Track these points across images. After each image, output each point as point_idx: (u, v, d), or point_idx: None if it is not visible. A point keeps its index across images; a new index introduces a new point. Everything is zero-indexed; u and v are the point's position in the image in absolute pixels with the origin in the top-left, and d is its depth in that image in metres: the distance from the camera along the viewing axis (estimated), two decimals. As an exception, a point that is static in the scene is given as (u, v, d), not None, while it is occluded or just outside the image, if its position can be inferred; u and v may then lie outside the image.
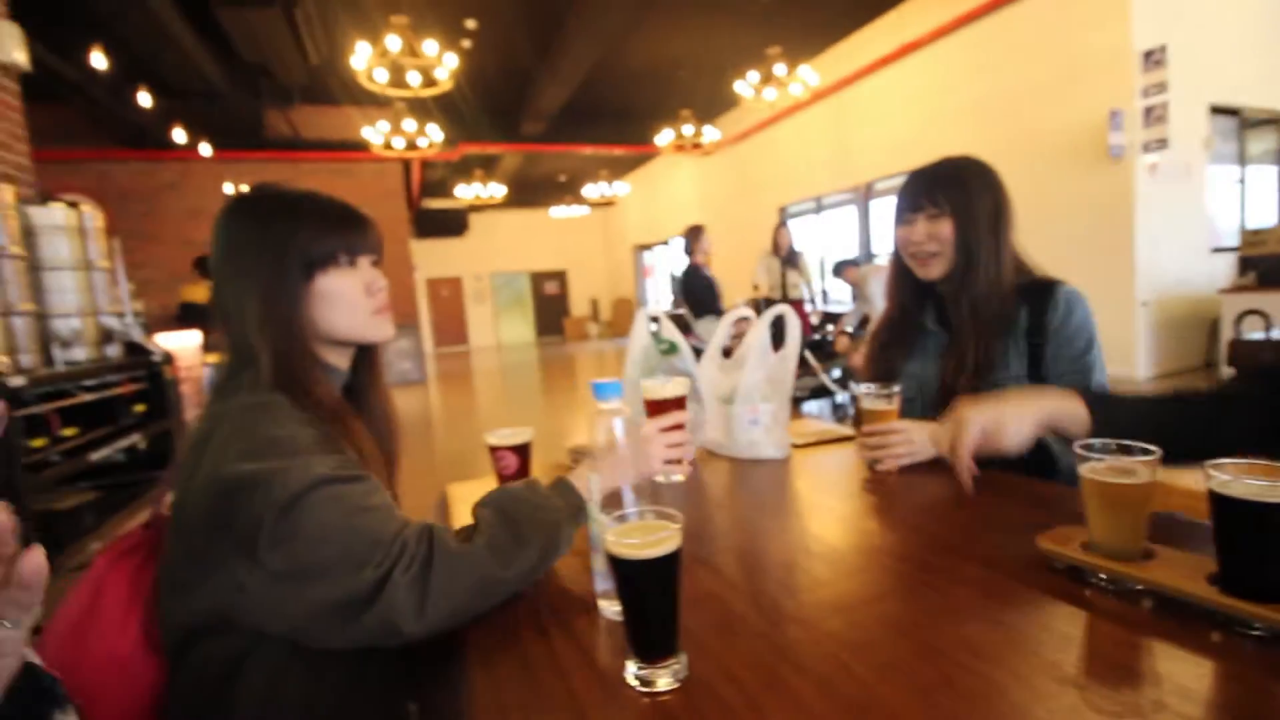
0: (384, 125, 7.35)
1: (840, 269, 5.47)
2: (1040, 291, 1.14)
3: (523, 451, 0.95)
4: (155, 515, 0.84)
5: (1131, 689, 0.49)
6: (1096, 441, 0.63)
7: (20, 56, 3.04)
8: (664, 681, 0.52)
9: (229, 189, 8.79)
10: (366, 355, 0.90)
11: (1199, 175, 5.78)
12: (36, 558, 0.31)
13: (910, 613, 0.62)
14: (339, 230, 0.82)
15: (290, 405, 0.74)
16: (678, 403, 0.94)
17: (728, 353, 1.29)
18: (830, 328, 5.67)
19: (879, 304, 3.07)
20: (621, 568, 0.51)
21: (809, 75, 7.25)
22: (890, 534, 0.83)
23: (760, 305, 5.68)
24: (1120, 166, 5.57)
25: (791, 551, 0.80)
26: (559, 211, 15.42)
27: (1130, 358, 5.61)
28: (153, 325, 5.39)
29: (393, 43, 5.38)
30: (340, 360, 0.86)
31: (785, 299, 5.67)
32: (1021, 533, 0.72)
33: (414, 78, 5.72)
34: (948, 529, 0.79)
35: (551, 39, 7.48)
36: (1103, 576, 0.61)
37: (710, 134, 9.33)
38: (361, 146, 8.12)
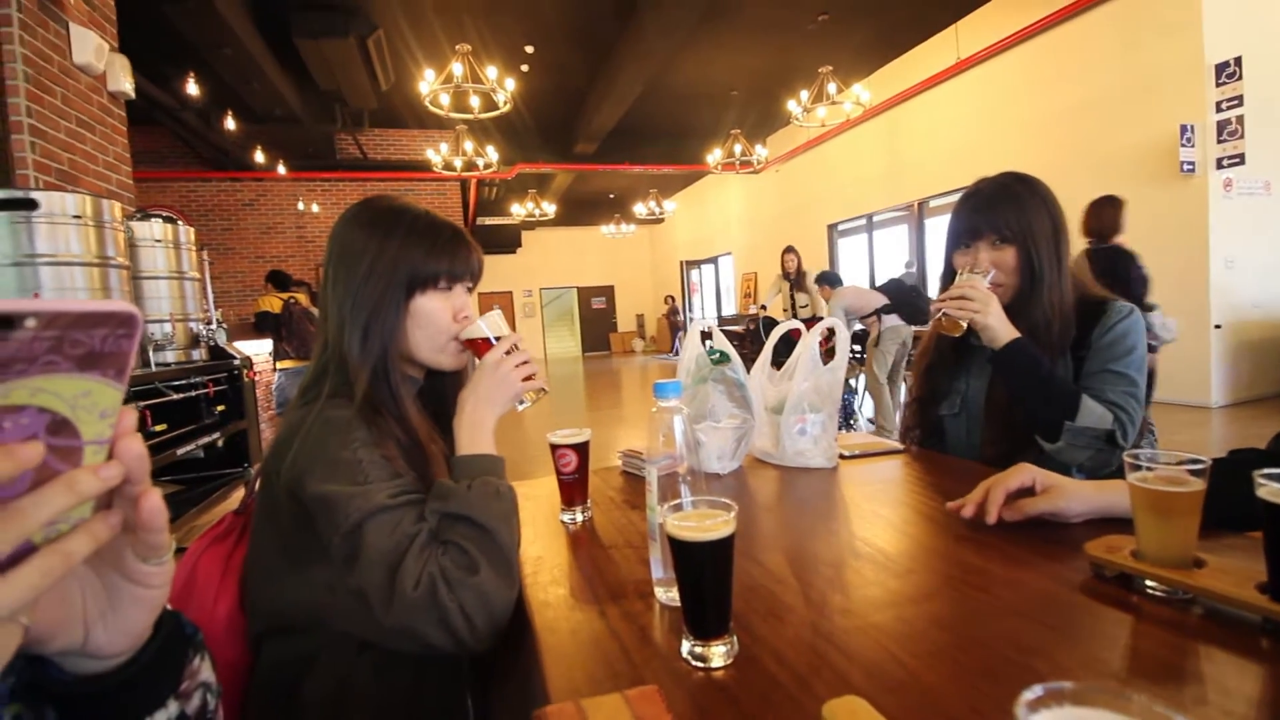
0: (445, 147, 7.68)
1: (819, 283, 5.55)
2: (1094, 309, 1.13)
3: (582, 450, 1.00)
4: (247, 502, 0.91)
5: (1176, 686, 0.50)
6: (1145, 451, 0.64)
7: (128, 86, 3.34)
8: (718, 658, 0.56)
9: (301, 207, 9.33)
10: (449, 377, 0.93)
11: (1278, 191, 5.48)
12: (153, 500, 0.32)
13: (956, 611, 0.64)
14: (447, 253, 0.85)
15: (361, 422, 0.77)
16: (488, 341, 0.89)
17: (778, 364, 1.32)
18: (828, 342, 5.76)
19: (838, 325, 3.11)
20: (680, 549, 0.56)
21: (861, 93, 7.22)
22: (937, 539, 0.85)
23: (760, 324, 5.79)
24: (1192, 183, 5.34)
25: (839, 552, 0.83)
26: (608, 229, 15.68)
27: (1205, 384, 5.32)
28: (230, 333, 5.75)
29: (457, 69, 5.64)
30: (416, 372, 0.90)
31: (795, 318, 5.71)
32: (1070, 542, 0.73)
33: (475, 101, 5.98)
34: (995, 536, 0.81)
35: (604, 62, 7.70)
36: (1151, 584, 0.62)
37: (759, 153, 9.37)
38: (424, 167, 8.51)
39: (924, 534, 0.88)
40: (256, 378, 3.49)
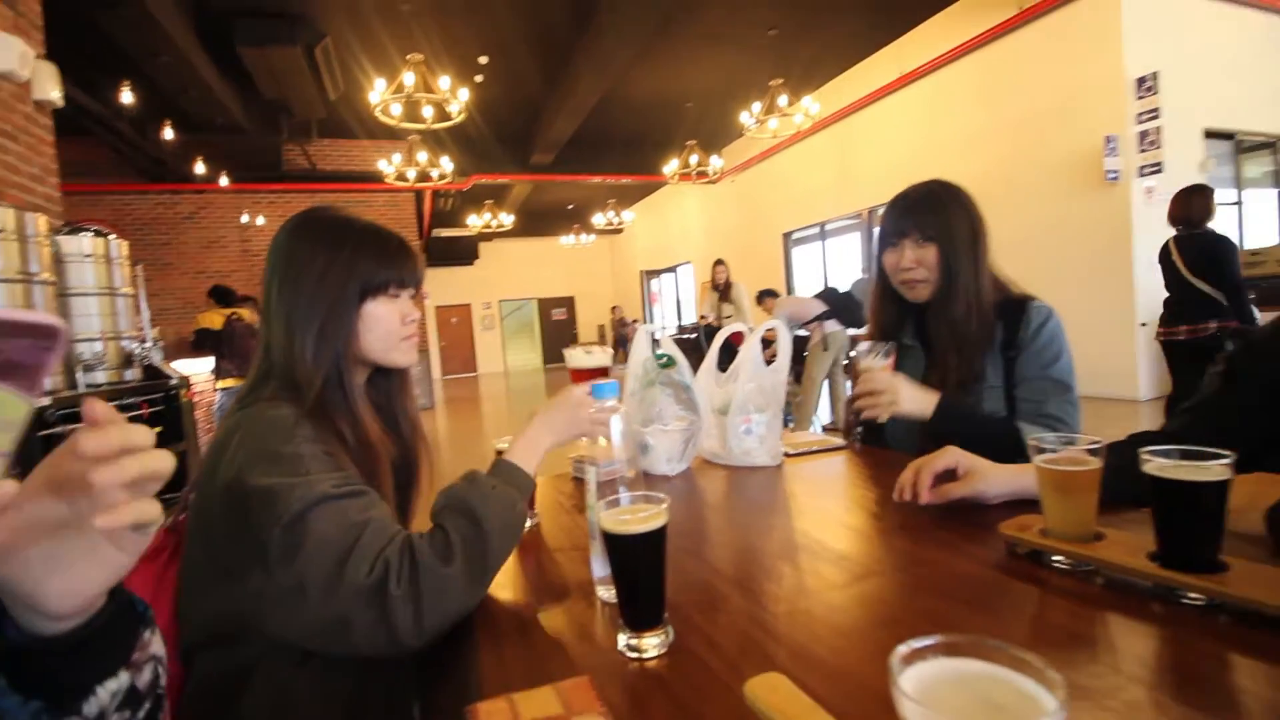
0: (397, 157, 7.56)
1: (762, 298, 5.75)
2: (1015, 308, 1.20)
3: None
4: (177, 518, 0.88)
5: (1075, 648, 0.54)
6: (1048, 435, 0.69)
7: (55, 94, 3.20)
8: (652, 648, 0.57)
9: (245, 219, 9.04)
10: (394, 373, 0.96)
11: (1197, 199, 5.85)
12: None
13: (881, 593, 0.67)
14: (395, 261, 0.88)
15: (307, 421, 0.76)
16: (601, 372, 0.97)
17: (723, 366, 1.35)
18: (767, 350, 6.03)
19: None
20: (613, 542, 0.57)
21: (811, 105, 7.43)
22: (871, 528, 0.89)
23: (701, 332, 6.05)
24: (1117, 191, 5.65)
25: (778, 544, 0.85)
26: (567, 239, 15.68)
27: (1132, 379, 5.61)
28: (168, 351, 5.52)
29: (408, 79, 5.59)
30: (359, 377, 0.91)
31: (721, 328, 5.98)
32: (992, 524, 0.77)
33: (428, 111, 5.92)
34: (924, 522, 0.84)
35: (561, 72, 7.73)
36: (1057, 558, 0.66)
37: (715, 163, 9.53)
38: (375, 178, 8.35)
39: (860, 523, 0.92)
40: (196, 398, 3.36)
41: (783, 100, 7.29)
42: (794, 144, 9.50)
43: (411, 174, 7.58)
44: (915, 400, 1.12)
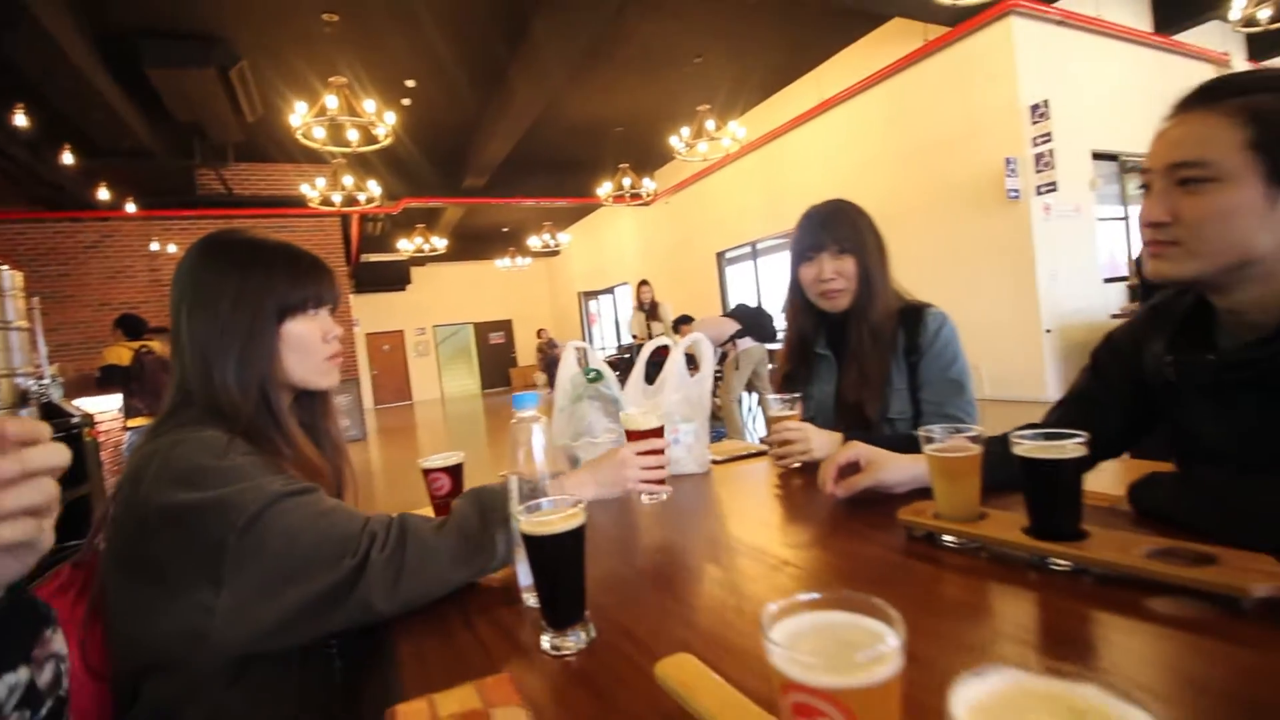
0: (321, 181, 7.35)
1: (678, 326, 5.99)
2: (914, 315, 1.29)
3: (455, 472, 1.01)
4: (85, 554, 0.84)
5: (966, 615, 0.59)
6: (936, 427, 0.75)
7: (-65, 117, 2.97)
8: (573, 645, 0.59)
9: (155, 247, 8.55)
10: (318, 395, 0.94)
11: (1087, 214, 6.39)
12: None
13: (790, 580, 0.71)
14: (309, 280, 0.87)
15: (242, 441, 0.76)
16: (655, 432, 1.02)
17: (650, 380, 1.39)
18: (689, 370, 6.31)
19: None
20: (531, 543, 0.59)
21: (737, 130, 7.70)
22: (788, 522, 0.94)
23: (634, 351, 6.39)
24: (1018, 208, 6.11)
25: (700, 544, 0.89)
26: (503, 263, 15.54)
27: (1040, 381, 6.03)
28: (70, 389, 5.13)
29: (331, 102, 5.46)
30: (285, 400, 0.89)
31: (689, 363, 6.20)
32: (891, 513, 0.83)
33: (353, 135, 5.80)
34: (834, 515, 0.90)
35: (491, 96, 7.73)
36: (947, 537, 0.72)
37: (648, 185, 9.71)
38: (298, 202, 8.07)
39: (777, 520, 0.96)
40: (102, 438, 3.14)
41: (710, 125, 7.55)
42: (724, 166, 9.80)
43: (337, 198, 7.38)
44: (824, 445, 1.17)
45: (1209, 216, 0.68)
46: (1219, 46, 7.53)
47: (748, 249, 10.15)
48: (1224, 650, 0.49)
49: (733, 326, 4.30)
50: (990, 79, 6.25)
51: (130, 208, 7.97)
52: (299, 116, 5.53)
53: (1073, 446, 0.63)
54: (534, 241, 13.22)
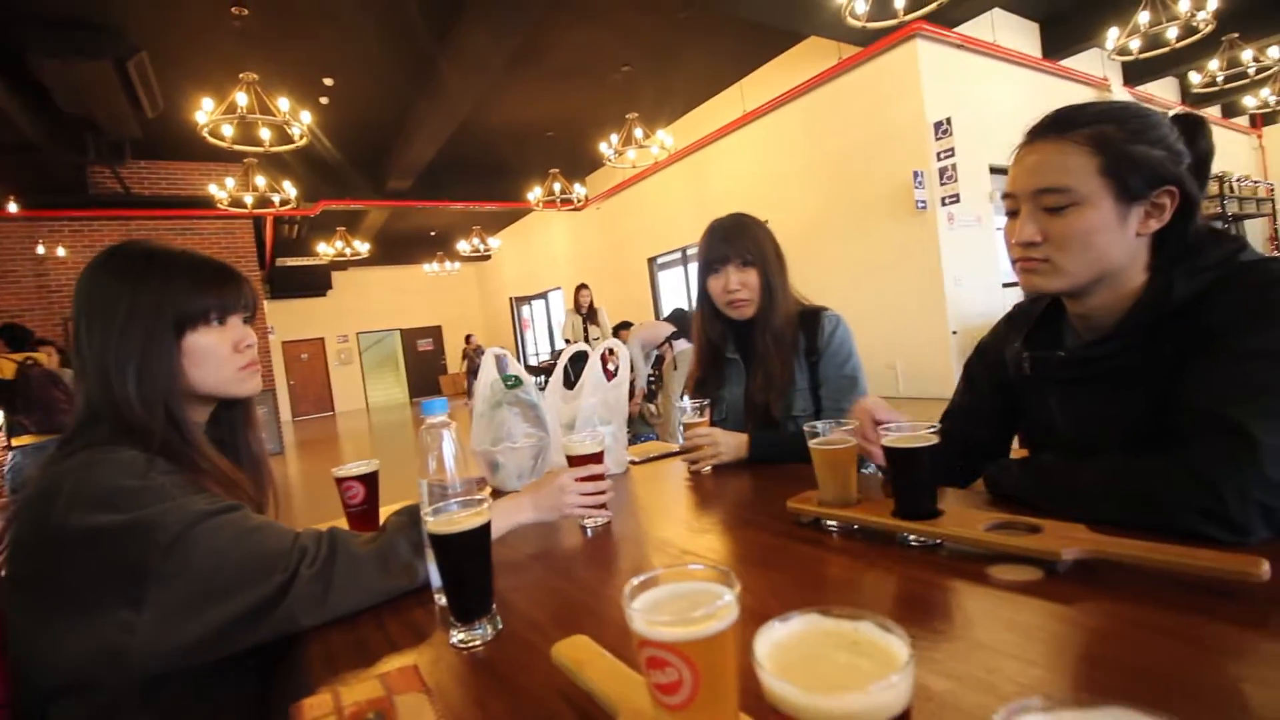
0: (231, 181, 6.97)
1: (617, 331, 6.14)
2: (812, 318, 1.39)
3: (370, 481, 1.01)
4: None
5: (838, 588, 0.66)
6: (819, 423, 0.83)
7: None
8: (480, 638, 0.62)
9: (42, 250, 7.87)
10: (238, 404, 0.93)
11: (987, 224, 6.89)
12: None
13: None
14: (212, 289, 0.85)
15: (160, 459, 0.75)
16: (595, 457, 1.02)
17: (569, 384, 1.43)
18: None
19: (636, 359, 3.45)
20: (437, 542, 0.62)
21: (666, 138, 7.85)
22: (689, 512, 1.00)
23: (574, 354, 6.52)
24: (925, 218, 6.52)
25: (610, 539, 0.93)
26: (431, 267, 15.15)
27: (949, 380, 6.45)
28: (-61, 406, 4.65)
29: (241, 98, 5.21)
30: (200, 414, 0.88)
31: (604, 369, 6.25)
32: (783, 502, 0.90)
33: (265, 133, 5.54)
34: (734, 508, 0.97)
35: (414, 98, 7.56)
36: (827, 521, 0.80)
37: (579, 191, 9.73)
38: (204, 203, 7.62)
39: (683, 513, 1.02)
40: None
41: (639, 133, 7.66)
42: (655, 173, 9.96)
43: (249, 199, 7.01)
44: (733, 446, 1.25)
45: (1074, 236, 0.76)
46: (1099, 72, 8.30)
47: (678, 255, 10.34)
48: (1042, 604, 0.58)
49: (668, 329, 4.42)
50: (898, 97, 6.66)
51: (12, 207, 7.31)
52: (205, 113, 5.24)
53: (926, 435, 0.72)
54: (463, 246, 12.97)
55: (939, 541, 0.71)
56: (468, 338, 14.54)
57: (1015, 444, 1.05)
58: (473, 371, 11.69)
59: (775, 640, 0.29)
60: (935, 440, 0.72)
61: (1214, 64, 7.17)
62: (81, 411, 0.81)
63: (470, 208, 11.33)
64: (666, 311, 10.87)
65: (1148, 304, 0.76)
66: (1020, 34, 7.53)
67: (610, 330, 6.30)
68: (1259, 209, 10.65)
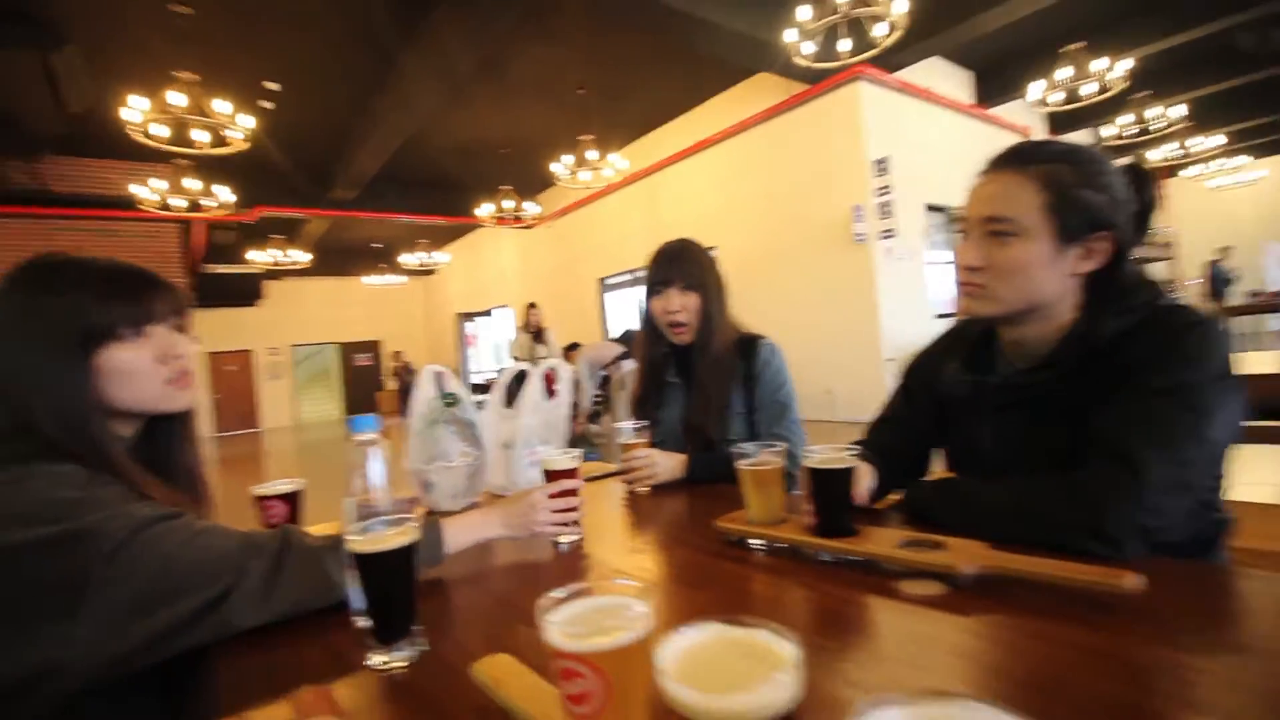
0: (160, 183, 6.64)
1: (567, 353, 6.20)
2: (749, 345, 1.44)
3: (293, 500, 0.98)
4: None
5: (758, 602, 0.68)
6: (747, 445, 0.86)
7: None
8: (401, 659, 0.61)
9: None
10: (175, 417, 0.88)
11: (920, 258, 7.25)
12: None
13: (621, 587, 0.78)
14: (123, 299, 0.80)
15: (94, 474, 0.73)
16: (571, 472, 1.00)
17: (509, 402, 1.42)
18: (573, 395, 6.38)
19: (583, 379, 3.49)
20: (360, 562, 0.61)
21: (619, 161, 7.96)
22: (625, 537, 1.01)
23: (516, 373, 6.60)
24: (864, 250, 6.81)
25: (539, 557, 0.93)
26: (373, 279, 14.73)
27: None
28: None
29: (177, 99, 5.00)
30: (124, 429, 0.84)
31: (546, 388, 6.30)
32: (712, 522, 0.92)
33: (202, 136, 5.32)
34: (670, 527, 0.98)
35: (364, 109, 7.43)
36: (754, 540, 0.82)
37: (530, 209, 9.72)
38: (128, 204, 7.23)
39: (617, 533, 1.04)
40: None
41: (593, 154, 7.74)
42: (607, 195, 10.05)
43: (179, 203, 6.70)
44: (670, 467, 1.28)
45: (1011, 265, 0.82)
46: (1026, 121, 8.92)
47: (629, 276, 10.42)
48: (943, 616, 0.62)
49: (616, 349, 4.45)
50: (841, 134, 6.97)
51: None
52: (137, 112, 5.00)
53: (846, 458, 0.76)
54: (409, 259, 12.71)
55: (855, 558, 0.74)
56: (395, 354, 14.07)
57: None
58: (404, 389, 11.24)
59: (678, 649, 0.31)
60: (854, 463, 0.76)
61: (1125, 120, 7.84)
62: (6, 429, 0.76)
63: (418, 221, 11.13)
64: (615, 333, 10.93)
65: (1078, 338, 0.82)
66: (954, 81, 8.04)
67: (558, 350, 6.29)
68: (1164, 252, 11.63)
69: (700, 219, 8.63)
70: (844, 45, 4.69)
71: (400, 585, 0.62)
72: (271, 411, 14.72)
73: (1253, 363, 2.15)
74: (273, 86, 6.82)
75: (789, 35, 4.73)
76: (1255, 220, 12.34)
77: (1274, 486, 3.23)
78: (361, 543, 0.61)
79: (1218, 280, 9.66)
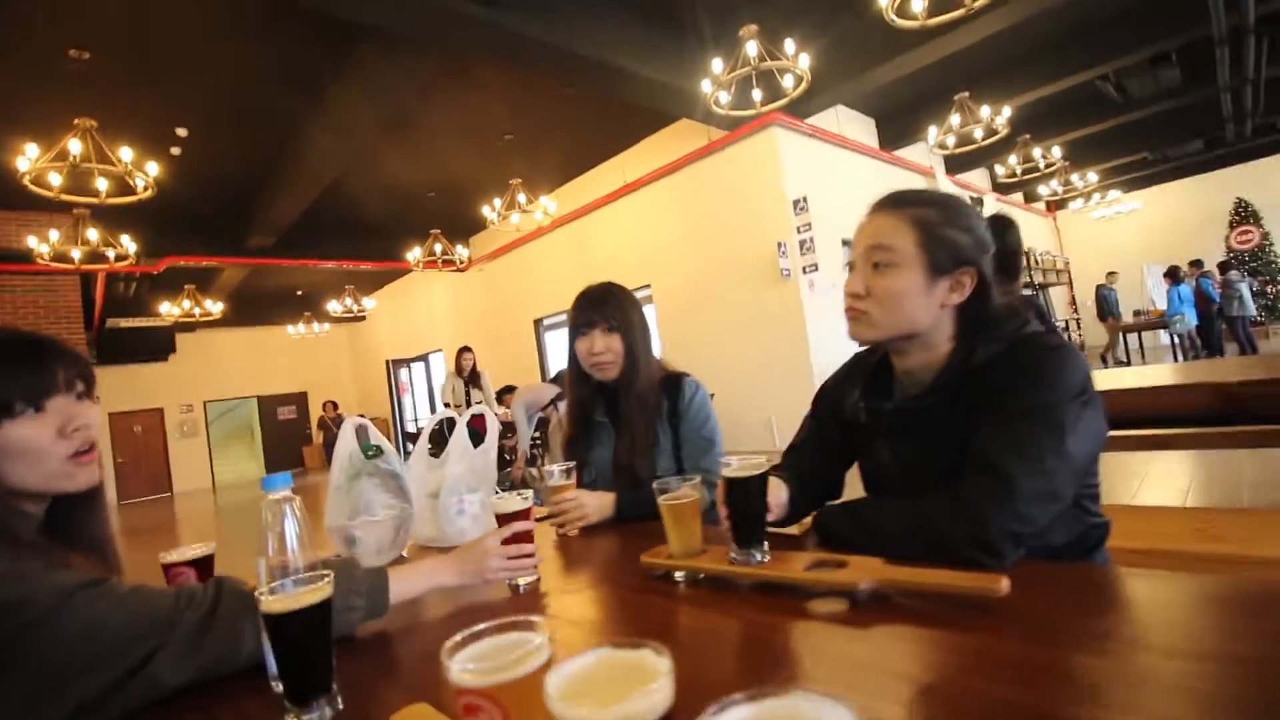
0: (54, 234, 6.23)
1: (501, 396, 6.20)
2: (674, 383, 1.49)
3: (204, 566, 0.94)
4: None
5: (674, 633, 0.71)
6: (672, 480, 0.89)
7: None
8: (315, 718, 0.60)
9: None
10: (77, 498, 0.82)
11: (841, 290, 7.62)
12: None
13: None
14: (14, 373, 0.75)
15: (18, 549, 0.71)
16: (523, 514, 1.00)
17: (435, 453, 1.41)
18: (510, 438, 6.16)
19: (519, 422, 3.53)
20: (273, 622, 0.60)
21: (549, 204, 8.06)
22: (553, 577, 1.02)
23: (445, 423, 6.39)
24: (790, 285, 7.12)
25: (468, 602, 0.93)
26: (296, 329, 14.14)
27: (817, 433, 6.93)
28: None
29: (74, 146, 4.75)
30: (34, 507, 0.79)
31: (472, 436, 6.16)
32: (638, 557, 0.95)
33: (102, 184, 5.05)
34: (599, 566, 1.00)
35: (283, 151, 7.25)
36: (676, 573, 0.85)
37: (461, 252, 9.65)
38: (20, 257, 6.73)
39: (547, 573, 1.04)
40: None
41: (522, 198, 7.82)
42: (539, 237, 10.11)
43: (77, 254, 6.29)
44: (599, 507, 1.31)
45: (888, 293, 0.91)
46: (926, 162, 9.64)
47: (564, 317, 10.44)
48: (845, 630, 0.66)
49: (553, 390, 4.44)
50: (761, 176, 7.34)
51: None
52: (28, 160, 4.72)
53: (759, 464, 0.81)
54: (335, 306, 12.30)
55: (765, 581, 0.78)
56: (326, 405, 13.36)
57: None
58: (330, 443, 10.52)
59: (566, 674, 0.33)
60: (766, 468, 0.81)
61: (1013, 159, 8.62)
62: None
63: (343, 266, 10.83)
64: (553, 373, 10.88)
65: (955, 366, 0.92)
66: (860, 128, 8.63)
67: (493, 394, 6.19)
68: (1059, 278, 12.70)
69: (632, 259, 8.81)
70: (757, 95, 4.98)
71: (314, 644, 0.61)
72: (185, 473, 13.70)
73: (1113, 379, 2.38)
74: (181, 132, 6.58)
75: (705, 86, 4.99)
76: (1137, 246, 13.72)
77: (1138, 487, 3.54)
78: (272, 602, 0.60)
79: (1106, 302, 10.59)
